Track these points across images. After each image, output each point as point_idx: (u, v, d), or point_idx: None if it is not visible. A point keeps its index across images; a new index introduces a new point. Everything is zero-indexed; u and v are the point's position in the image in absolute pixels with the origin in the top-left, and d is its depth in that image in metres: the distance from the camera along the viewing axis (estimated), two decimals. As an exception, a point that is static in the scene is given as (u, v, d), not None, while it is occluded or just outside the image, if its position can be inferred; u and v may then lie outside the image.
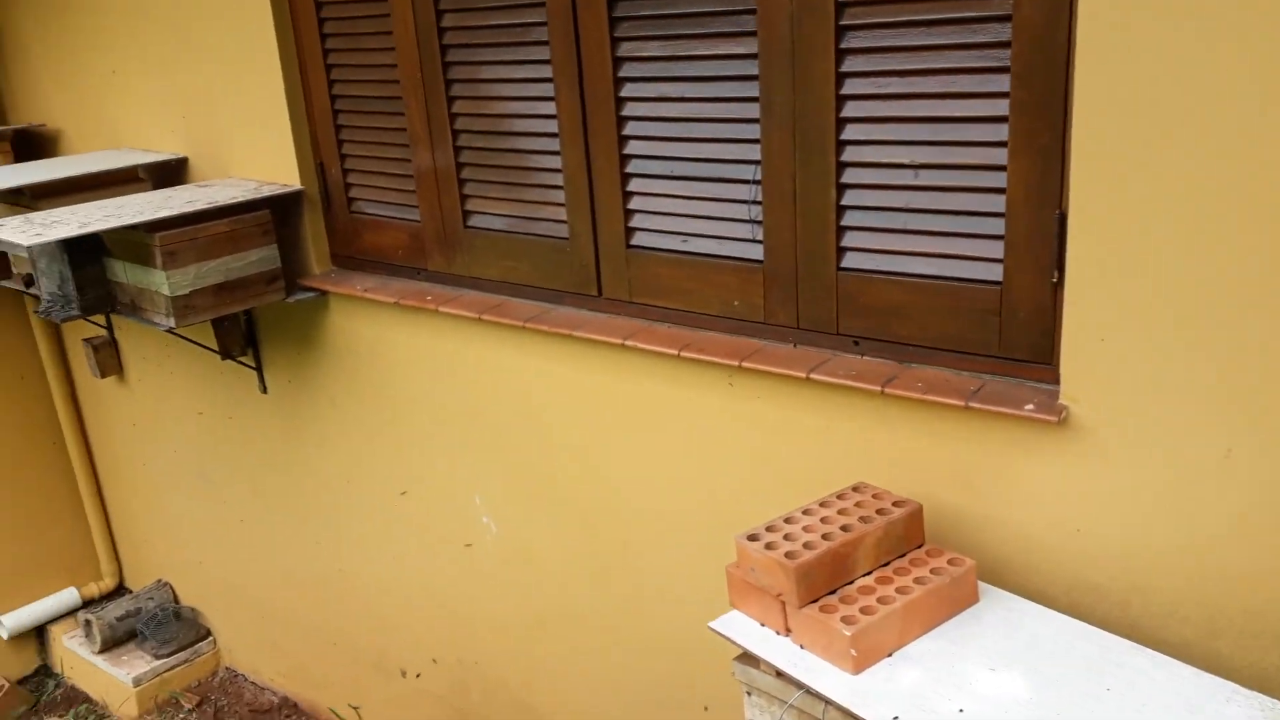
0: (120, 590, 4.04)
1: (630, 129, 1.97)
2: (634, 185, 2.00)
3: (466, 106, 2.22)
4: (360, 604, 3.02)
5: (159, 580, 3.81)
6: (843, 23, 1.63)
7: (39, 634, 3.90)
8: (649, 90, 1.92)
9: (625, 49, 1.92)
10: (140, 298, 2.43)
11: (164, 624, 3.67)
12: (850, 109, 1.66)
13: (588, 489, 2.24)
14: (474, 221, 2.31)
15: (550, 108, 2.07)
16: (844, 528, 1.50)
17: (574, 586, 2.36)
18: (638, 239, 2.03)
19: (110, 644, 3.67)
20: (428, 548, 2.71)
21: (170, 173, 2.88)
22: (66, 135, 3.27)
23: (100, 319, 3.48)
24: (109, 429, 3.74)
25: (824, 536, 1.47)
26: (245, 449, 3.16)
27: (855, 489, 1.63)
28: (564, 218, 2.13)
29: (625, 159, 1.99)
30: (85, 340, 3.43)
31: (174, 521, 3.63)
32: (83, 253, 2.43)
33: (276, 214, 2.55)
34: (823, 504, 1.58)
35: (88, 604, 3.91)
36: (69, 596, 3.87)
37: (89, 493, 3.88)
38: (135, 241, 2.36)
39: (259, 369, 2.95)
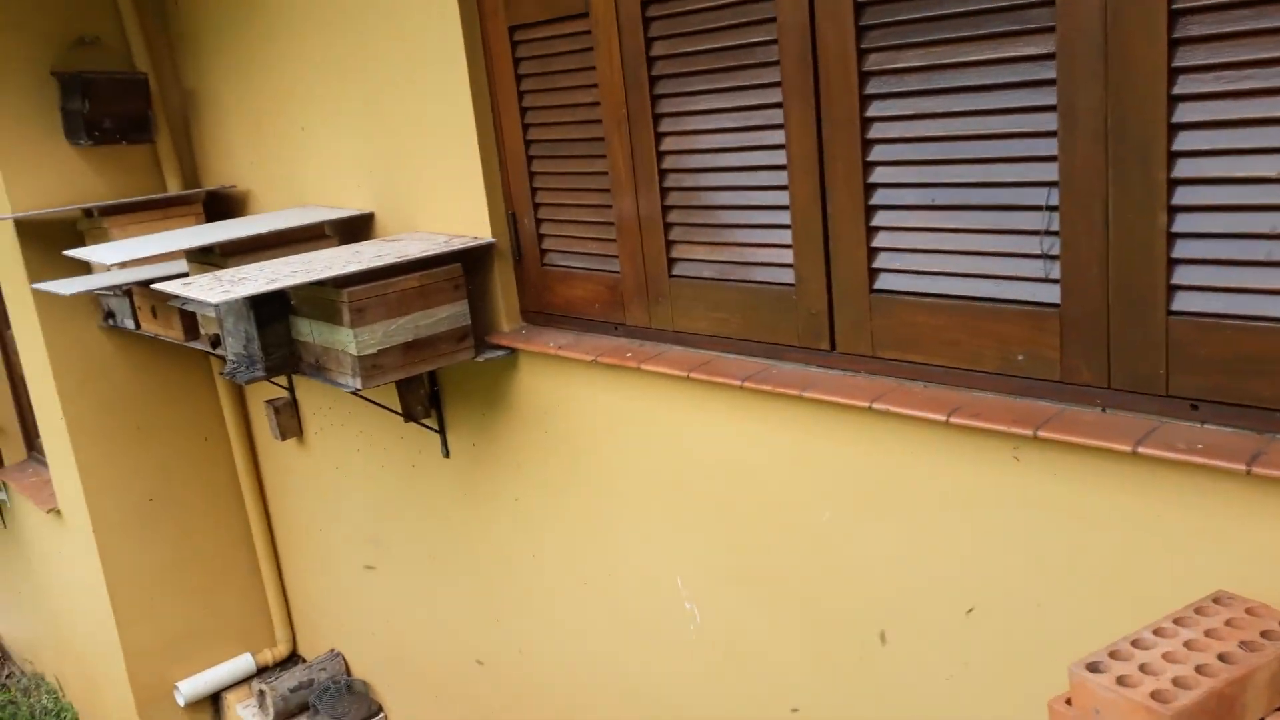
0: (294, 658, 3.94)
1: (878, 153, 1.68)
2: (880, 219, 1.70)
3: (676, 142, 1.99)
4: (540, 689, 2.76)
5: (332, 650, 3.68)
6: (1176, 5, 1.30)
7: (214, 701, 3.83)
8: (903, 107, 1.63)
9: (874, 61, 1.64)
10: (325, 357, 2.29)
11: (336, 697, 3.52)
12: (1185, 111, 1.32)
13: (819, 582, 1.91)
14: (680, 270, 2.06)
15: (777, 136, 1.81)
16: (1221, 656, 1.12)
17: (796, 696, 2.03)
18: (884, 281, 1.73)
19: (283, 716, 3.55)
20: (619, 633, 2.43)
21: (356, 229, 2.78)
22: (255, 196, 3.25)
23: (282, 379, 3.42)
24: (287, 492, 3.67)
25: (1198, 669, 1.10)
26: (424, 516, 2.98)
27: (1218, 601, 1.24)
28: (789, 260, 1.85)
29: (870, 189, 1.70)
30: (267, 402, 3.38)
31: (348, 589, 3.50)
32: (269, 311, 2.32)
33: (466, 268, 2.38)
34: (1178, 621, 1.20)
35: (262, 671, 3.82)
36: (244, 663, 3.79)
37: (266, 556, 3.82)
38: (322, 298, 2.22)
39: (442, 432, 2.78)
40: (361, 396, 2.79)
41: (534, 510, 2.55)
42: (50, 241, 3.23)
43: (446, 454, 2.80)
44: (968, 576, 1.66)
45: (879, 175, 1.69)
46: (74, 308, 3.32)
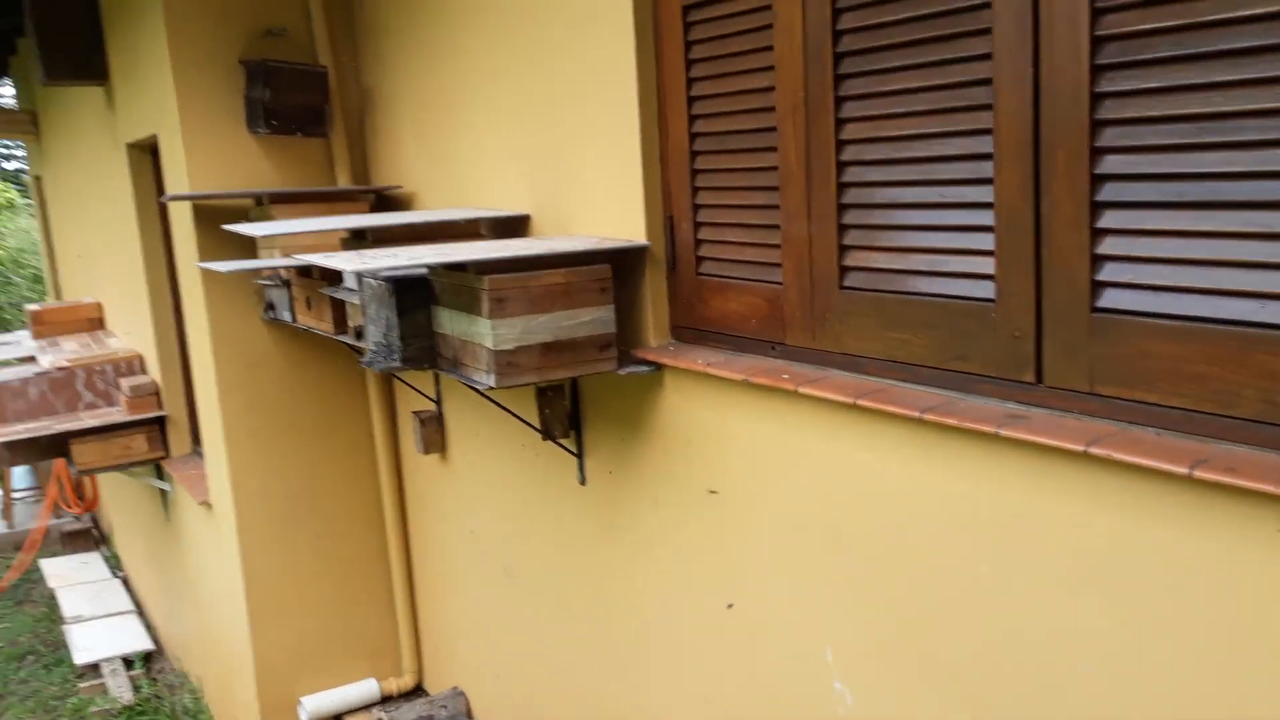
0: (418, 690, 3.80)
1: (1111, 136, 1.35)
2: (1109, 219, 1.37)
3: (859, 130, 1.72)
4: (661, 754, 2.47)
5: (454, 688, 3.51)
6: None
7: None
8: (1148, 78, 1.30)
9: (1111, 23, 1.32)
10: (463, 351, 2.12)
11: (452, 731, 3.34)
12: None
13: (1008, 673, 1.55)
14: (853, 280, 1.77)
15: (983, 119, 1.51)
16: None
17: (959, 799, 1.65)
18: (1109, 298, 1.38)
19: (398, 744, 3.40)
20: (755, 709, 2.11)
21: (512, 230, 2.64)
22: (419, 197, 3.20)
23: (431, 392, 3.32)
24: (426, 509, 3.56)
25: None
26: (557, 549, 2.77)
27: None
28: (988, 270, 1.53)
29: (1097, 181, 1.37)
30: (415, 413, 3.29)
31: (478, 621, 3.33)
32: (411, 299, 2.18)
33: (615, 273, 2.18)
34: None
35: (385, 700, 3.70)
36: (369, 688, 3.68)
37: (400, 575, 3.71)
38: (463, 287, 2.06)
39: (580, 456, 2.57)
40: (499, 405, 2.63)
41: (669, 553, 2.29)
42: (221, 228, 3.28)
43: (583, 480, 2.58)
44: (1210, 683, 1.27)
45: (1109, 164, 1.36)
46: (239, 299, 3.35)
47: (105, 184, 4.79)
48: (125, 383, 4.38)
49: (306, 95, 3.30)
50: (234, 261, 3.13)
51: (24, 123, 7.51)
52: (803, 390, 1.77)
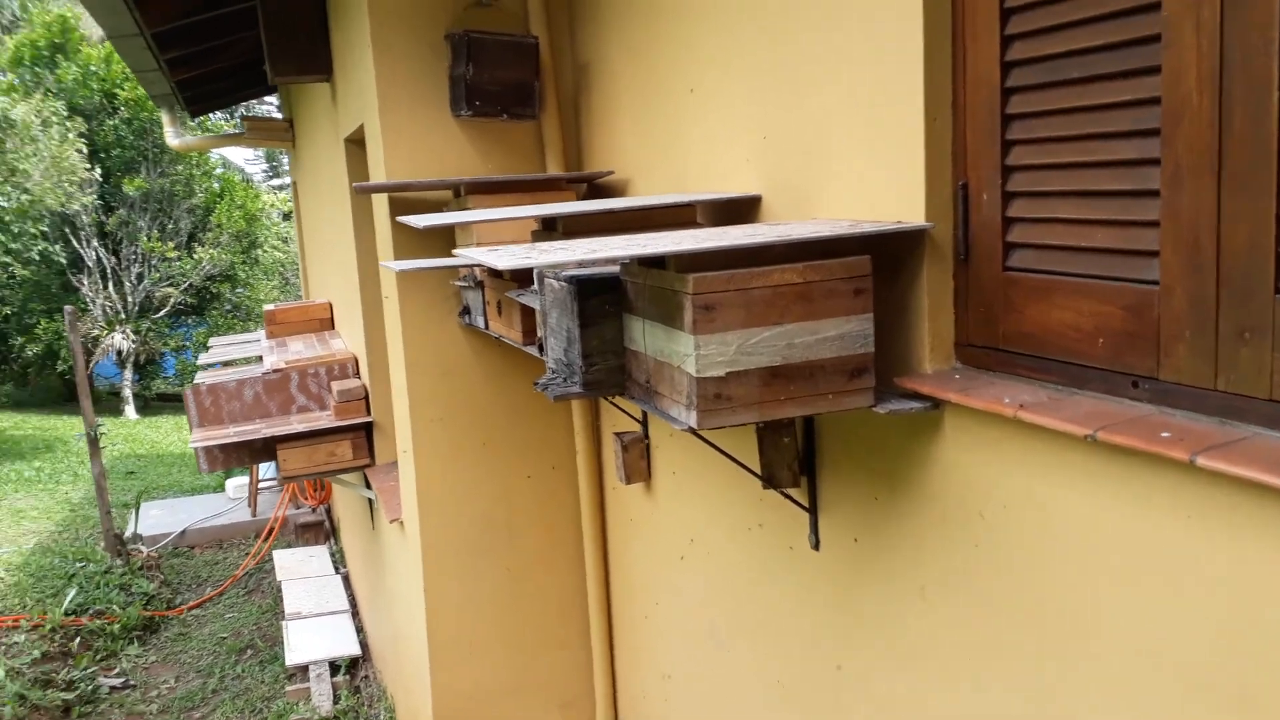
0: (612, 750, 3.30)
1: None
2: None
3: (1333, 21, 0.99)
4: None
5: (652, 755, 2.97)
6: None
7: (523, 773, 3.29)
8: None
9: None
10: (657, 376, 1.56)
11: (647, 818, 2.79)
12: None
13: None
14: (1299, 282, 1.04)
15: None
16: None
17: None
18: None
19: (585, 821, 2.89)
20: None
21: (737, 215, 2.06)
22: (634, 185, 2.68)
23: (636, 410, 2.80)
24: (629, 547, 3.05)
25: None
26: (773, 623, 2.15)
27: None
28: None
29: None
30: (616, 435, 2.78)
31: (679, 684, 2.76)
32: (596, 305, 1.65)
33: (876, 267, 1.54)
34: None
35: (574, 756, 3.22)
36: (557, 740, 3.21)
37: (599, 620, 3.22)
38: (661, 290, 1.50)
39: (813, 512, 1.94)
40: (704, 440, 2.05)
41: (938, 664, 1.61)
42: (396, 220, 2.91)
43: (815, 545, 1.95)
44: None
45: None
46: (436, 302, 2.98)
47: (331, 182, 4.68)
48: (335, 386, 4.19)
49: (513, 70, 2.87)
50: (410, 260, 2.75)
51: (282, 130, 7.79)
52: (1204, 463, 1.06)
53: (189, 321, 18.43)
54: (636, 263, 1.57)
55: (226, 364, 5.87)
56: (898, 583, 1.69)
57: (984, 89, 1.44)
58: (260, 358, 5.07)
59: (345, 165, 4.05)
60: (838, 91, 1.70)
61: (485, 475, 3.08)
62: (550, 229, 2.06)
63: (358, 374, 4.37)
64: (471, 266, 2.72)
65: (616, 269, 1.67)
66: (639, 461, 2.77)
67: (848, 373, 1.50)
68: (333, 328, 5.68)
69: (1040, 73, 1.35)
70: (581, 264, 1.65)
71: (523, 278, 2.40)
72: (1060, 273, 1.35)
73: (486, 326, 2.68)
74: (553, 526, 3.18)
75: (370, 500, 4.41)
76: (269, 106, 13.58)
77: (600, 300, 1.64)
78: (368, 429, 4.15)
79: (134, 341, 16.56)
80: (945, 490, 1.55)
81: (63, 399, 16.88)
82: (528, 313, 2.32)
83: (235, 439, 4.04)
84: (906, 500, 1.65)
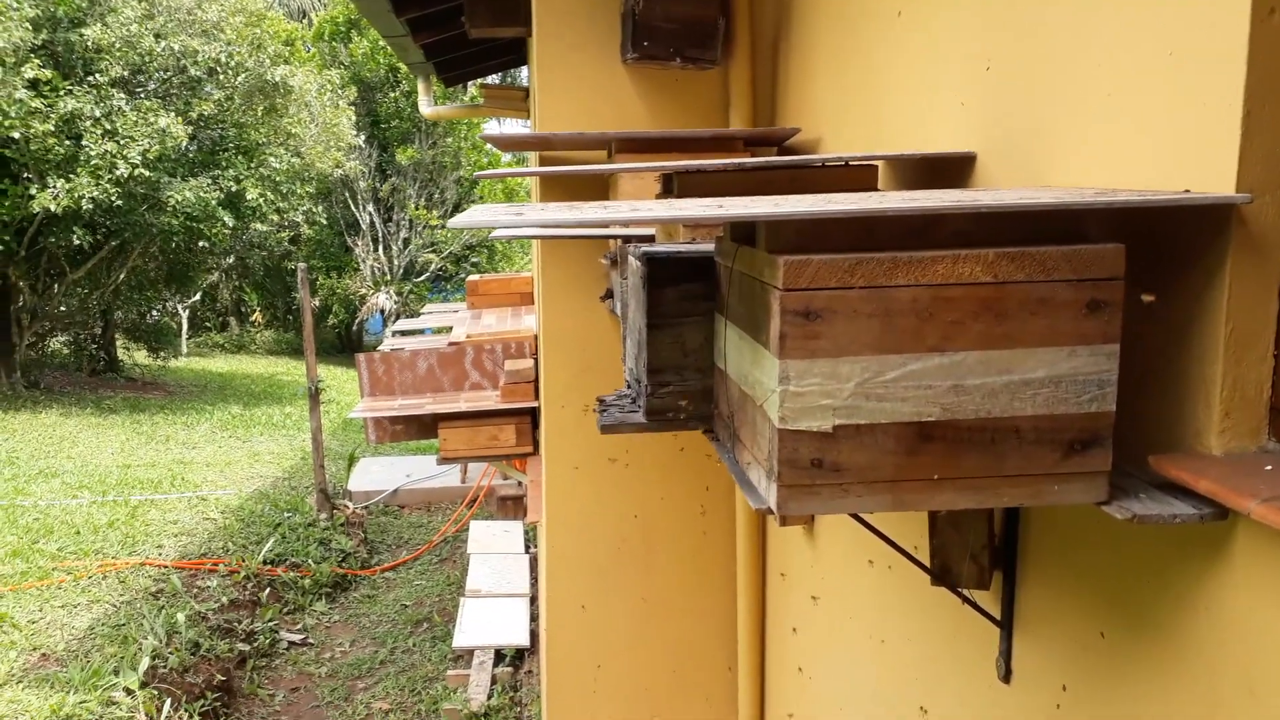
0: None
1: None
2: None
3: None
4: None
5: None
6: None
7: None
8: None
9: None
10: (740, 415, 1.00)
11: None
12: None
13: None
14: None
15: None
16: None
17: None
18: None
19: None
20: None
21: (939, 179, 1.44)
22: (824, 144, 2.08)
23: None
24: (787, 597, 2.47)
25: None
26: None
27: None
28: None
29: None
30: (776, 463, 2.20)
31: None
32: (675, 296, 1.11)
33: (1133, 266, 0.89)
34: None
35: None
36: (686, 812, 2.70)
37: (749, 675, 2.66)
38: (750, 279, 0.94)
39: (1007, 628, 1.30)
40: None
41: None
42: (570, 182, 2.47)
43: (1005, 675, 1.31)
44: None
45: None
46: (583, 283, 2.53)
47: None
48: (506, 365, 3.88)
49: (691, 3, 2.35)
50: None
51: (519, 99, 7.69)
52: None
53: (447, 287, 19.41)
54: (728, 236, 1.01)
55: (437, 331, 5.80)
56: (1126, 784, 1.04)
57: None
58: (450, 327, 4.88)
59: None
60: (1107, 15, 1.05)
61: (622, 484, 2.61)
62: (669, 191, 1.53)
63: (535, 354, 4.03)
64: (613, 240, 2.24)
65: (711, 247, 1.12)
66: (801, 499, 2.18)
67: (1063, 444, 0.87)
68: (531, 303, 5.43)
69: None
70: (617, 225, 1.12)
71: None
72: None
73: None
74: (701, 558, 2.66)
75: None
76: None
77: (682, 291, 1.10)
78: (534, 414, 3.80)
79: (396, 302, 17.62)
80: (1223, 654, 0.89)
81: (335, 349, 18.26)
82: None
83: (400, 412, 3.82)
84: (1151, 652, 0.99)
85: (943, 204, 0.85)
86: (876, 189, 1.50)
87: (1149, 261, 0.94)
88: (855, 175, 1.47)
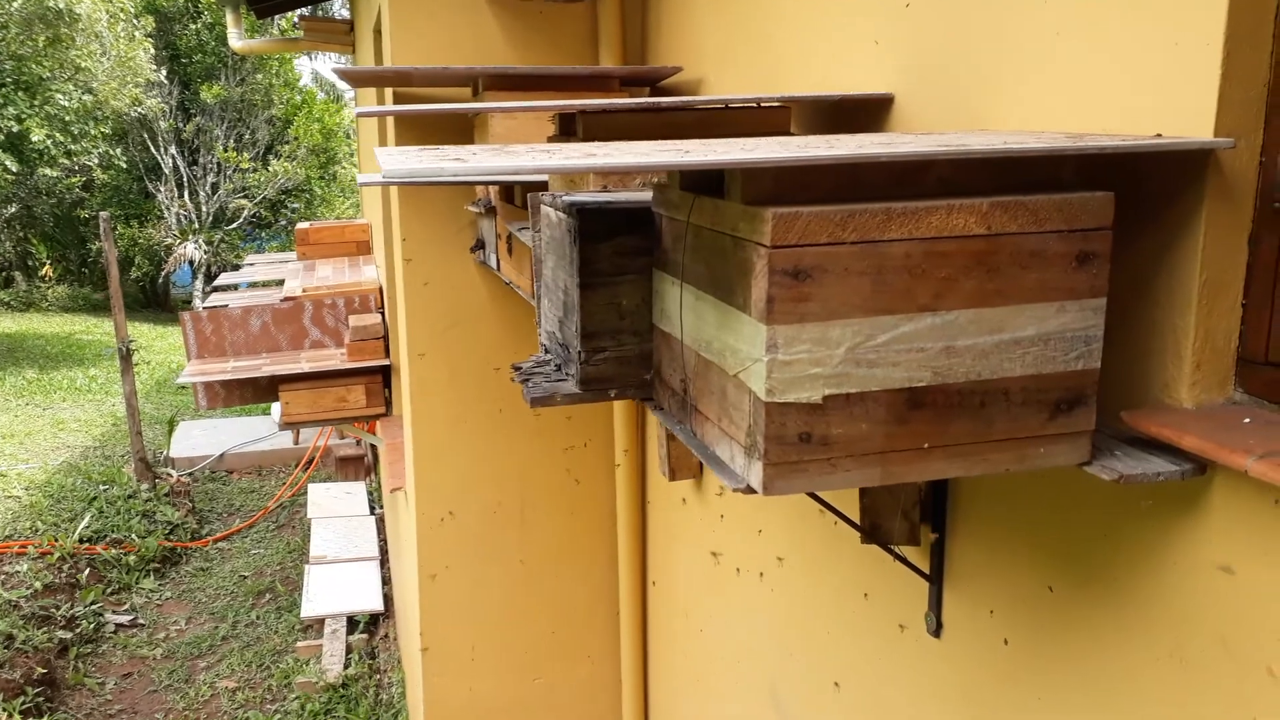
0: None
1: None
2: None
3: None
4: None
5: (683, 816, 2.38)
6: None
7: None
8: None
9: None
10: (701, 384, 0.90)
11: None
12: None
13: None
14: None
15: None
16: None
17: None
18: None
19: None
20: None
21: (852, 123, 1.37)
22: (709, 85, 1.99)
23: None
24: (674, 562, 2.42)
25: None
26: (866, 711, 1.51)
27: None
28: None
29: None
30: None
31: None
32: (610, 252, 0.99)
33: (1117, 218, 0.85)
34: None
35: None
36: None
37: (631, 643, 2.61)
38: (719, 234, 0.83)
39: (937, 582, 1.28)
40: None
41: None
42: (429, 123, 2.27)
43: (935, 629, 1.29)
44: None
45: None
46: (448, 233, 2.35)
47: (366, 83, 4.05)
48: (351, 322, 3.63)
49: (558, -71, 2.19)
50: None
51: (341, 33, 7.19)
52: None
53: (262, 235, 18.26)
54: (678, 184, 0.90)
55: (252, 286, 5.39)
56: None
57: None
58: (283, 281, 4.54)
59: (372, 61, 3.43)
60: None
61: (497, 448, 2.48)
62: (569, 133, 1.40)
63: (381, 309, 3.79)
64: (486, 186, 2.08)
65: (647, 197, 1.00)
66: (687, 451, 2.12)
67: (1049, 404, 0.82)
68: (370, 252, 5.12)
69: None
70: (558, 172, 1.01)
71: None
72: None
73: (499, 267, 2.05)
74: (579, 523, 2.57)
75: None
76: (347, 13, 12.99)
77: (616, 246, 0.98)
78: (385, 373, 3.58)
79: (205, 252, 16.43)
80: (1195, 614, 0.88)
81: (139, 304, 16.89)
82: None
83: (233, 375, 3.51)
84: (1108, 607, 0.98)
85: (932, 149, 0.77)
86: (790, 133, 1.42)
87: (1132, 208, 0.90)
88: (767, 118, 1.38)
